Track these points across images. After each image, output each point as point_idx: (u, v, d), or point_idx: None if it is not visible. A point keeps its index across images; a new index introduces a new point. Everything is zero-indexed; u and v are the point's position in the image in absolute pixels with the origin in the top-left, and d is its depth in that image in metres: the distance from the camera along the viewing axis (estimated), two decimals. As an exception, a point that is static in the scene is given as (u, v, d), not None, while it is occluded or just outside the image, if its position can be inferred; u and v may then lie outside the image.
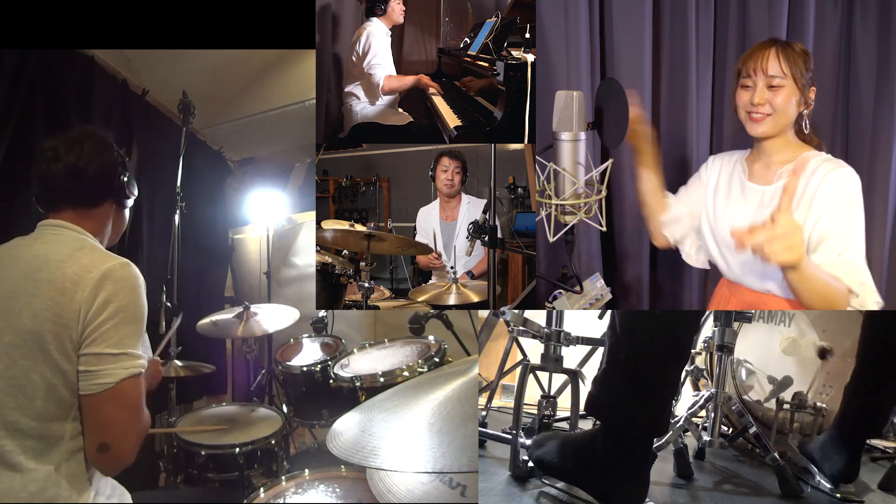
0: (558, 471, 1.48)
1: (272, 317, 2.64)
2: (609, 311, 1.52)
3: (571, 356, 1.96)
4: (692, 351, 2.06)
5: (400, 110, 2.76)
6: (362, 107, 2.75)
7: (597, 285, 1.72)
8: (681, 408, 1.96)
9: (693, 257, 1.81)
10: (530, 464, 1.56)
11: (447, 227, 3.32)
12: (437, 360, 2.18)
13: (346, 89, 2.79)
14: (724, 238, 1.68)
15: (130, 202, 1.53)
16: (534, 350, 1.96)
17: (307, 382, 2.46)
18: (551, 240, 1.53)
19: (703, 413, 1.87)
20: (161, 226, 3.06)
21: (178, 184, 2.69)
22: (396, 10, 2.75)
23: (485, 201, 2.81)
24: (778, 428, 1.90)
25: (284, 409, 2.55)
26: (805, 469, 1.74)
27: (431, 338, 2.36)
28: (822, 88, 1.62)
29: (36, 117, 2.33)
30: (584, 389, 1.56)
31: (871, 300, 1.43)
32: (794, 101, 1.53)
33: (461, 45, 2.98)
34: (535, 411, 1.96)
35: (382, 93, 2.69)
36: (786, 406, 1.89)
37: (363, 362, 2.39)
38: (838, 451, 1.65)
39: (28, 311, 1.25)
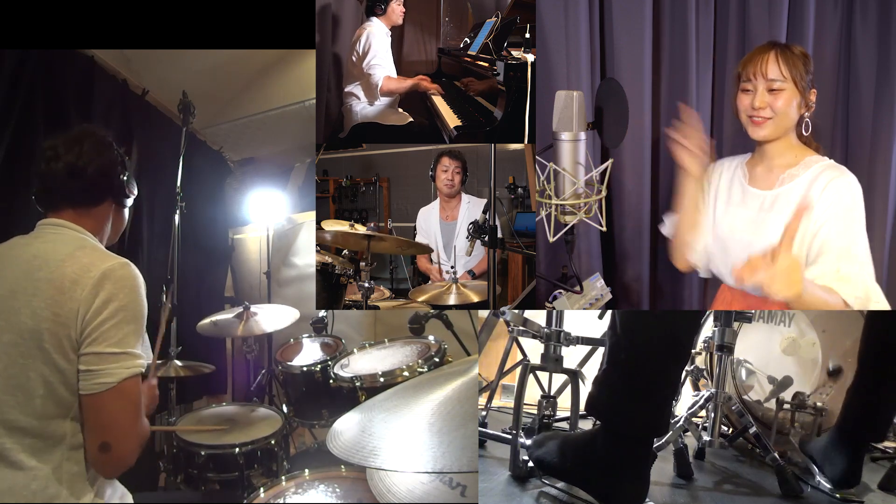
0: (558, 471, 1.48)
1: (272, 317, 2.64)
2: (609, 311, 1.52)
3: (571, 356, 1.96)
4: (692, 351, 2.06)
5: (400, 110, 2.76)
6: (362, 107, 2.75)
7: (597, 285, 1.72)
8: (681, 408, 1.96)
9: (705, 273, 1.80)
10: (530, 464, 1.56)
11: (447, 227, 3.32)
12: (437, 360, 2.18)
13: (345, 89, 2.79)
14: (726, 244, 1.68)
15: (130, 201, 1.53)
16: (534, 350, 1.96)
17: (307, 382, 2.46)
18: (551, 240, 1.53)
19: (703, 413, 1.87)
20: (161, 226, 3.06)
21: (178, 184, 2.69)
22: (396, 10, 2.75)
23: (485, 201, 2.81)
24: (778, 428, 1.90)
25: (284, 409, 2.55)
26: (805, 469, 1.74)
27: (431, 338, 2.36)
28: (821, 89, 1.62)
29: (36, 117, 2.33)
30: (584, 389, 1.56)
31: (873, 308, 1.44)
32: (795, 104, 1.53)
33: (461, 45, 2.98)
34: (535, 411, 1.96)
35: (381, 94, 2.69)
36: (786, 406, 1.89)
37: (363, 362, 2.39)
38: (839, 455, 1.64)
39: (27, 309, 1.25)
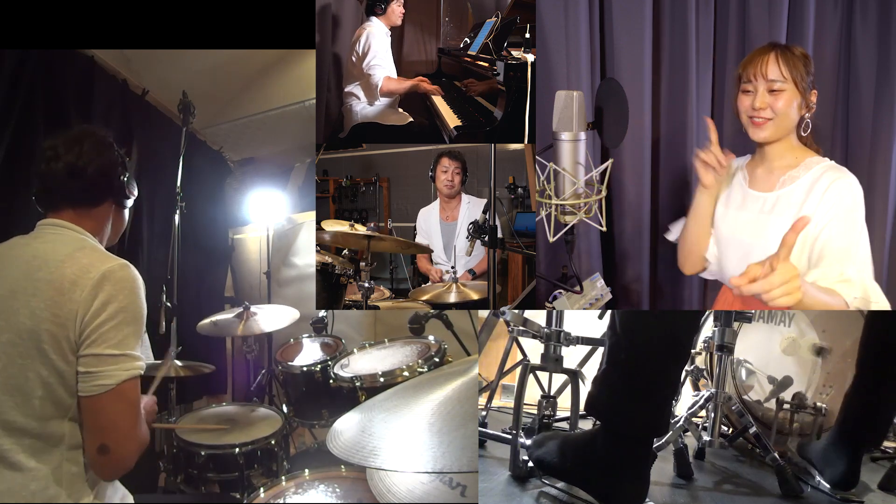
0: (558, 471, 1.48)
1: (272, 317, 2.65)
2: (609, 311, 1.52)
3: (571, 356, 1.96)
4: (692, 351, 2.06)
5: (400, 110, 2.76)
6: (362, 107, 2.75)
7: (597, 285, 1.72)
8: (681, 408, 1.97)
9: (712, 276, 1.80)
10: (530, 464, 1.56)
11: (447, 227, 3.32)
12: (437, 360, 2.18)
13: (345, 89, 2.79)
14: (727, 244, 1.68)
15: (130, 202, 1.53)
16: (534, 350, 1.96)
17: (307, 382, 2.46)
18: (551, 240, 1.53)
19: (703, 413, 1.87)
20: (161, 226, 3.06)
21: (178, 184, 2.69)
22: (396, 11, 2.75)
23: (485, 201, 2.81)
24: (778, 428, 1.90)
25: (284, 409, 2.55)
26: (805, 469, 1.74)
27: (431, 338, 2.36)
28: (822, 89, 1.62)
29: (36, 117, 2.33)
30: (584, 389, 1.56)
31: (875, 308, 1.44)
32: (796, 105, 1.53)
33: (461, 45, 2.98)
34: (535, 411, 1.96)
35: (381, 94, 2.69)
36: (786, 406, 1.89)
37: (363, 362, 2.39)
38: (839, 457, 1.64)
39: (26, 310, 1.25)
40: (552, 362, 1.82)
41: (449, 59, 3.14)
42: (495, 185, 1.91)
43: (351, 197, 4.76)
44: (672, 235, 1.86)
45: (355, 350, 2.54)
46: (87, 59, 2.61)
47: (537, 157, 1.59)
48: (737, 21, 2.16)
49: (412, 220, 3.54)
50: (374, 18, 2.71)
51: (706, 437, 1.82)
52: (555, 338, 1.82)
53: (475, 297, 2.66)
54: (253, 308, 2.65)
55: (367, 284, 2.35)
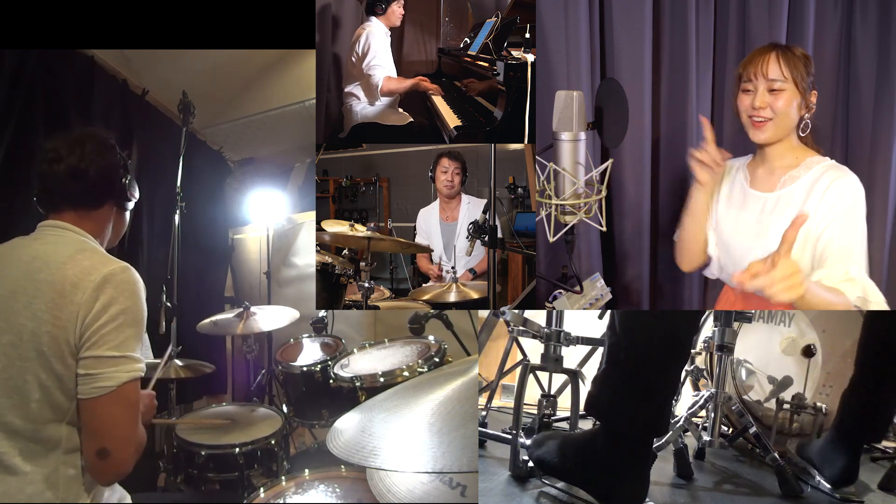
0: (558, 471, 1.48)
1: (272, 318, 2.65)
2: (609, 311, 1.52)
3: (571, 356, 1.96)
4: (692, 351, 2.06)
5: (400, 110, 2.76)
6: (362, 107, 2.75)
7: (597, 285, 1.72)
8: (681, 408, 1.97)
9: (715, 275, 1.80)
10: (530, 464, 1.56)
11: (447, 227, 3.32)
12: (437, 360, 2.18)
13: (345, 89, 2.79)
14: (728, 245, 1.68)
15: (131, 204, 1.53)
16: (534, 350, 1.96)
17: (307, 382, 2.46)
18: (551, 240, 1.53)
19: (703, 413, 1.87)
20: (161, 226, 3.06)
21: (178, 184, 2.69)
22: (396, 12, 2.75)
23: (485, 201, 2.81)
24: (778, 428, 1.90)
25: (284, 409, 2.55)
26: (805, 469, 1.74)
27: (431, 338, 2.36)
28: (822, 89, 1.62)
29: (36, 117, 2.33)
30: (584, 389, 1.56)
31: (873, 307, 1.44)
32: (796, 105, 1.53)
33: (461, 45, 2.98)
34: (535, 411, 1.96)
35: (381, 94, 2.69)
36: (786, 406, 1.89)
37: (363, 362, 2.39)
38: (838, 454, 1.64)
39: (27, 311, 1.25)
40: (552, 362, 1.82)
41: (449, 59, 3.14)
42: (495, 185, 1.91)
43: (351, 197, 4.76)
44: (677, 234, 1.87)
45: (355, 350, 2.54)
46: (87, 59, 2.61)
47: (537, 157, 1.59)
48: (737, 21, 2.16)
49: (412, 220, 3.54)
50: (373, 18, 2.71)
51: (706, 437, 1.82)
52: (555, 338, 1.82)
53: (475, 296, 2.66)
54: (253, 308, 2.65)
55: (367, 284, 2.35)
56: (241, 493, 2.00)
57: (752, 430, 1.76)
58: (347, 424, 1.02)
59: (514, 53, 2.39)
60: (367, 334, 3.33)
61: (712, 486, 1.66)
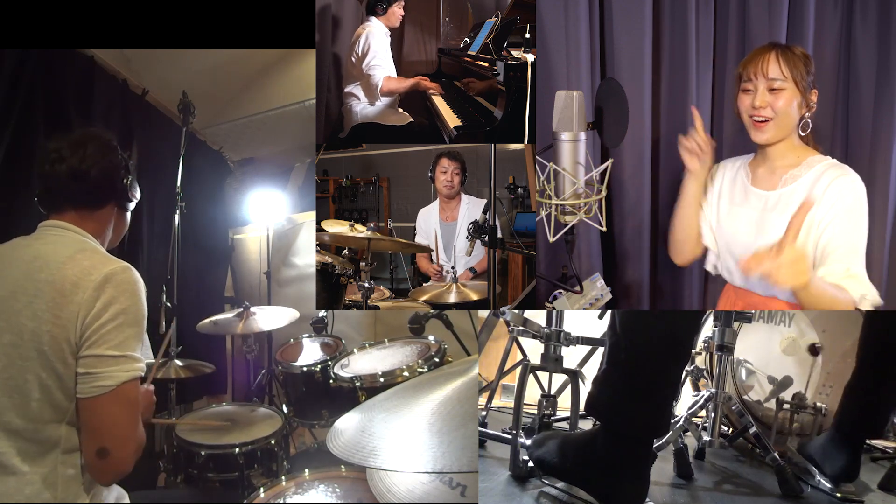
0: (558, 471, 1.48)
1: (272, 318, 2.65)
2: (609, 311, 1.52)
3: (571, 356, 1.96)
4: (692, 351, 2.06)
5: (400, 110, 2.76)
6: (362, 107, 2.75)
7: (597, 285, 1.72)
8: (681, 408, 1.96)
9: (713, 266, 1.80)
10: (530, 464, 1.56)
11: (447, 227, 3.32)
12: (437, 360, 2.18)
13: (345, 90, 2.79)
14: (729, 243, 1.68)
15: (132, 205, 1.53)
16: (534, 350, 1.96)
17: (307, 382, 2.46)
18: (551, 240, 1.53)
19: (703, 413, 1.87)
20: (161, 226, 3.06)
21: (178, 184, 2.69)
22: (397, 13, 2.75)
23: (485, 201, 2.80)
24: (778, 428, 1.90)
25: (284, 409, 2.55)
26: (805, 469, 1.74)
27: (431, 338, 2.36)
28: (822, 89, 1.62)
29: (36, 117, 2.33)
30: (584, 389, 1.56)
31: (872, 306, 1.44)
32: (796, 104, 1.53)
33: (461, 45, 2.98)
34: (535, 411, 1.96)
35: (381, 94, 2.69)
36: (786, 406, 1.89)
37: (363, 362, 2.39)
38: (838, 451, 1.65)
39: (28, 311, 1.25)
40: (552, 362, 1.82)
41: (449, 59, 3.14)
42: (495, 185, 1.91)
43: (351, 197, 4.76)
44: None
45: (355, 350, 2.54)
46: (87, 59, 2.61)
47: (537, 157, 1.59)
48: (737, 21, 2.16)
49: (412, 220, 3.54)
50: (373, 18, 2.71)
51: (706, 437, 1.82)
52: (555, 338, 1.82)
53: (475, 297, 2.66)
54: (253, 308, 2.65)
55: (367, 284, 2.35)
56: (241, 493, 2.00)
57: (752, 430, 1.76)
58: (347, 424, 1.02)
59: (514, 53, 2.39)
60: (367, 334, 3.33)
61: (712, 486, 1.66)
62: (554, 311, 1.83)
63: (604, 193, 1.54)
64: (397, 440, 0.93)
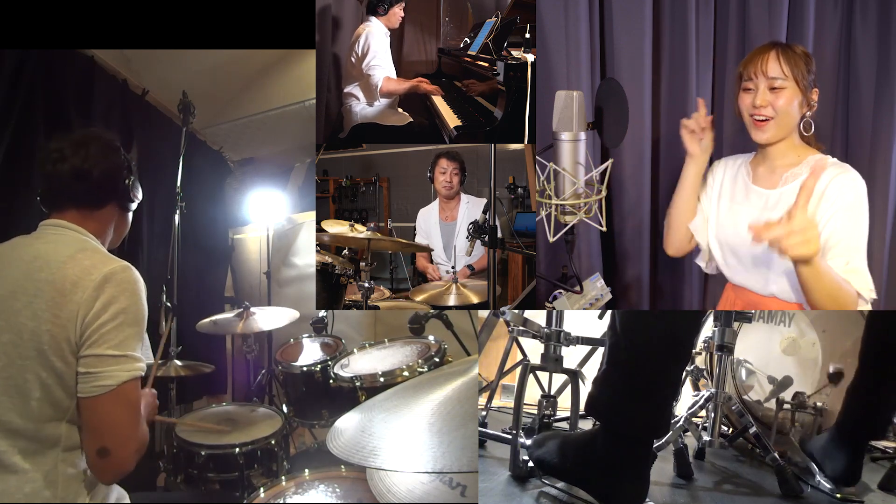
0: (558, 471, 1.48)
1: (272, 318, 2.65)
2: (609, 311, 1.52)
3: (571, 356, 1.96)
4: (692, 351, 2.06)
5: (400, 110, 2.76)
6: (362, 107, 2.75)
7: (597, 285, 1.72)
8: (681, 408, 1.96)
9: (705, 263, 1.81)
10: (530, 464, 1.56)
11: (447, 227, 3.32)
12: (437, 360, 2.18)
13: (345, 90, 2.79)
14: (729, 242, 1.68)
15: (134, 206, 1.54)
16: (534, 350, 1.96)
17: (307, 382, 2.46)
18: (551, 240, 1.53)
19: (703, 413, 1.87)
20: (161, 226, 3.06)
21: (178, 184, 2.69)
22: (397, 13, 2.75)
23: (484, 201, 2.80)
24: (778, 428, 1.90)
25: (284, 409, 2.55)
26: (805, 469, 1.74)
27: (431, 338, 2.36)
28: (822, 89, 1.62)
29: (36, 117, 2.33)
30: (584, 389, 1.56)
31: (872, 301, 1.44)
32: (797, 103, 1.53)
33: (461, 45, 2.99)
34: (535, 411, 1.96)
35: (381, 95, 2.69)
36: (786, 406, 1.89)
37: (363, 362, 2.39)
38: (840, 453, 1.64)
39: (28, 310, 1.25)
40: (552, 362, 1.82)
41: (449, 59, 3.14)
42: (495, 185, 1.91)
43: (351, 197, 4.76)
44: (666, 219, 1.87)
45: (355, 350, 2.54)
46: (87, 59, 2.61)
47: (537, 157, 1.59)
48: (737, 21, 2.16)
49: (412, 220, 3.54)
50: (373, 18, 2.71)
51: (706, 437, 1.82)
52: (555, 338, 1.82)
53: (475, 299, 2.66)
54: (253, 308, 2.65)
55: (367, 284, 2.35)
56: (241, 493, 2.00)
57: (752, 430, 1.76)
58: (347, 424, 1.02)
59: (514, 53, 2.39)
60: (367, 334, 3.33)
61: (712, 486, 1.66)
62: (554, 311, 1.83)
63: (604, 193, 1.54)
64: (397, 440, 0.93)
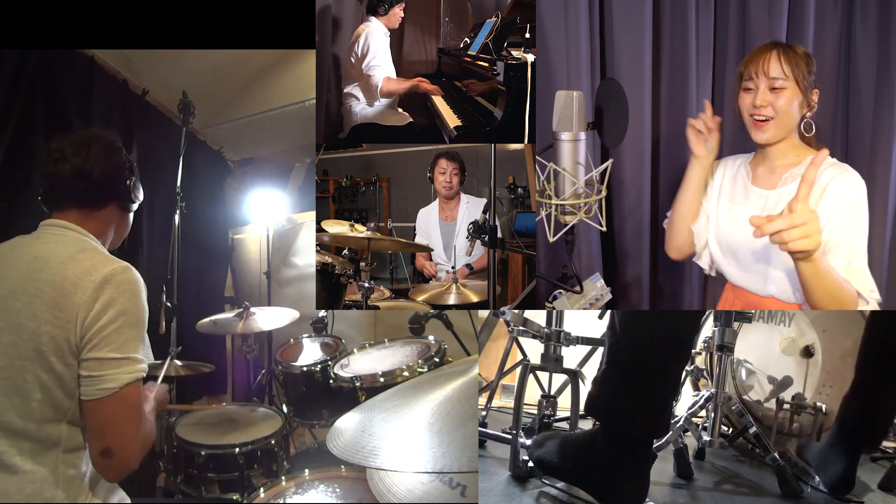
0: (558, 471, 1.48)
1: (272, 318, 2.65)
2: (609, 311, 1.52)
3: (571, 356, 1.96)
4: (692, 351, 2.06)
5: (400, 110, 2.76)
6: (362, 107, 2.75)
7: (597, 285, 1.72)
8: (681, 408, 1.96)
9: (708, 266, 1.80)
10: (530, 464, 1.56)
11: (447, 227, 3.32)
12: (437, 360, 2.18)
13: (345, 90, 2.79)
14: (728, 242, 1.68)
15: (135, 206, 1.54)
16: (534, 350, 1.96)
17: (307, 382, 2.46)
18: (551, 240, 1.53)
19: (703, 413, 1.87)
20: (161, 226, 3.06)
21: (178, 184, 2.69)
22: (397, 14, 2.75)
23: (484, 201, 2.81)
24: (778, 428, 1.90)
25: (284, 409, 2.55)
26: (804, 469, 1.74)
27: (431, 338, 2.36)
28: (822, 89, 1.62)
29: (36, 117, 2.33)
30: (584, 389, 1.56)
31: (875, 305, 1.44)
32: (797, 104, 1.53)
33: (461, 45, 2.99)
34: (535, 411, 1.96)
35: (381, 95, 2.69)
36: (786, 406, 1.89)
37: (363, 362, 2.39)
38: (836, 459, 1.64)
39: (28, 311, 1.25)
40: (552, 362, 1.82)
41: (449, 59, 3.14)
42: (495, 185, 1.91)
43: (351, 197, 4.76)
44: (667, 221, 1.86)
45: (355, 350, 2.54)
46: (87, 59, 2.61)
47: (537, 157, 1.59)
48: (737, 21, 2.16)
49: (412, 220, 3.54)
50: (373, 18, 2.71)
51: (706, 437, 1.82)
52: (555, 338, 1.82)
53: (475, 298, 2.66)
54: (253, 308, 2.65)
55: (367, 284, 2.35)
56: (241, 493, 2.00)
57: (752, 430, 1.76)
58: (347, 424, 1.02)
59: (514, 53, 2.39)
60: (367, 334, 3.33)
61: (712, 486, 1.66)
62: (554, 311, 1.83)
63: (604, 193, 1.54)
64: (397, 440, 0.93)
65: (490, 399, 2.21)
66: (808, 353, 1.92)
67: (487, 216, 1.92)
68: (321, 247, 3.04)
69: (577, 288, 1.68)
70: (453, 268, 2.91)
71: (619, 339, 1.39)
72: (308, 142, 3.53)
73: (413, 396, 1.06)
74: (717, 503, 1.54)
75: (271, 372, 2.94)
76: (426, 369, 2.12)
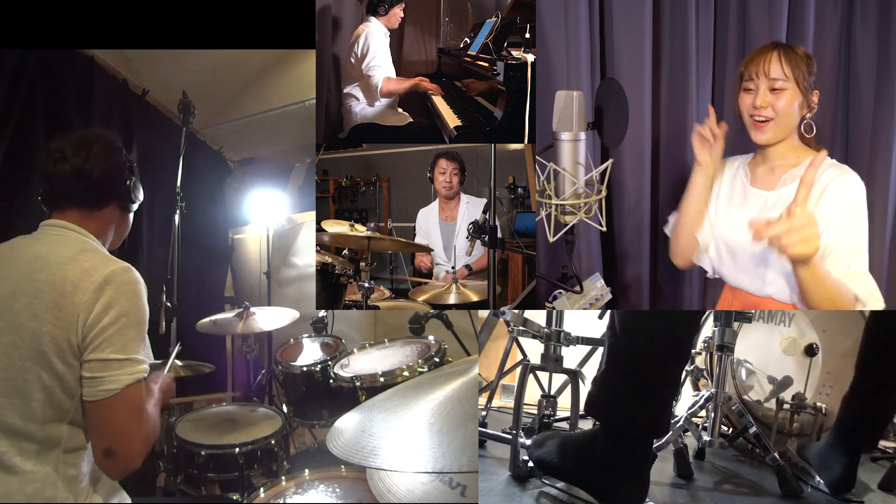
0: (558, 471, 1.48)
1: (272, 318, 2.65)
2: (609, 311, 1.52)
3: (571, 356, 1.96)
4: (692, 351, 2.06)
5: (400, 110, 2.76)
6: (362, 107, 2.75)
7: (597, 285, 1.72)
8: (681, 408, 1.97)
9: (711, 270, 1.79)
10: (530, 464, 1.56)
11: (447, 227, 3.32)
12: (437, 360, 2.17)
13: (344, 90, 2.79)
14: (726, 243, 1.68)
15: (135, 206, 1.54)
16: (534, 350, 1.96)
17: (307, 382, 2.46)
18: (551, 240, 1.53)
19: (703, 413, 1.87)
20: (161, 226, 3.06)
21: (178, 184, 2.69)
22: (397, 14, 2.75)
23: (484, 201, 2.81)
24: (778, 428, 1.90)
25: (284, 409, 2.55)
26: (804, 469, 1.74)
27: (431, 338, 2.36)
28: (822, 89, 1.62)
29: (36, 117, 2.34)
30: (584, 389, 1.56)
31: (877, 307, 1.44)
32: (797, 105, 1.53)
33: (461, 45, 2.99)
34: (535, 411, 1.96)
35: (381, 95, 2.69)
36: (786, 406, 1.89)
37: (363, 362, 2.39)
38: (836, 459, 1.64)
39: (28, 311, 1.25)
40: (552, 362, 1.82)
41: (449, 59, 3.14)
42: (495, 185, 1.91)
43: (351, 197, 4.76)
44: (669, 227, 1.86)
45: (355, 350, 2.54)
46: (87, 59, 2.61)
47: (537, 157, 1.59)
48: (737, 21, 2.16)
49: (412, 220, 3.54)
50: (373, 18, 2.71)
51: (706, 437, 1.82)
52: (555, 338, 1.82)
53: (475, 298, 2.66)
54: (253, 308, 2.65)
55: (367, 284, 2.35)
56: (241, 493, 2.00)
57: (752, 430, 1.76)
58: (347, 424, 1.02)
59: (514, 53, 2.39)
60: (367, 334, 3.33)
61: (712, 486, 1.66)
62: (554, 311, 1.83)
63: (604, 193, 1.54)
64: (397, 440, 0.93)
65: (490, 399, 2.21)
66: (811, 351, 1.92)
67: (487, 216, 1.92)
68: (321, 247, 3.04)
69: (577, 288, 1.69)
70: (453, 268, 2.91)
71: (619, 339, 1.39)
72: (308, 142, 3.53)
73: (413, 396, 1.06)
74: (717, 503, 1.54)
75: (271, 372, 2.94)
76: (426, 369, 2.12)
